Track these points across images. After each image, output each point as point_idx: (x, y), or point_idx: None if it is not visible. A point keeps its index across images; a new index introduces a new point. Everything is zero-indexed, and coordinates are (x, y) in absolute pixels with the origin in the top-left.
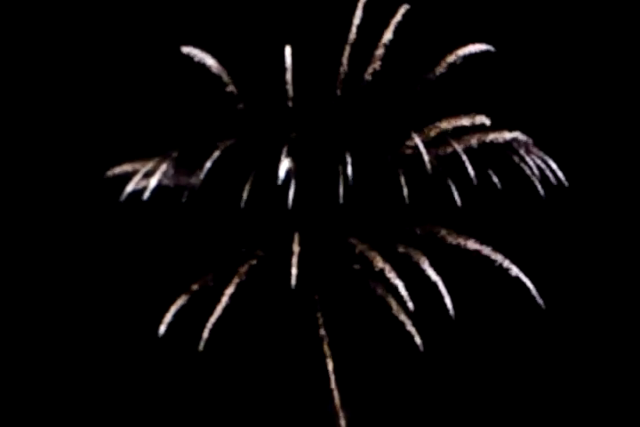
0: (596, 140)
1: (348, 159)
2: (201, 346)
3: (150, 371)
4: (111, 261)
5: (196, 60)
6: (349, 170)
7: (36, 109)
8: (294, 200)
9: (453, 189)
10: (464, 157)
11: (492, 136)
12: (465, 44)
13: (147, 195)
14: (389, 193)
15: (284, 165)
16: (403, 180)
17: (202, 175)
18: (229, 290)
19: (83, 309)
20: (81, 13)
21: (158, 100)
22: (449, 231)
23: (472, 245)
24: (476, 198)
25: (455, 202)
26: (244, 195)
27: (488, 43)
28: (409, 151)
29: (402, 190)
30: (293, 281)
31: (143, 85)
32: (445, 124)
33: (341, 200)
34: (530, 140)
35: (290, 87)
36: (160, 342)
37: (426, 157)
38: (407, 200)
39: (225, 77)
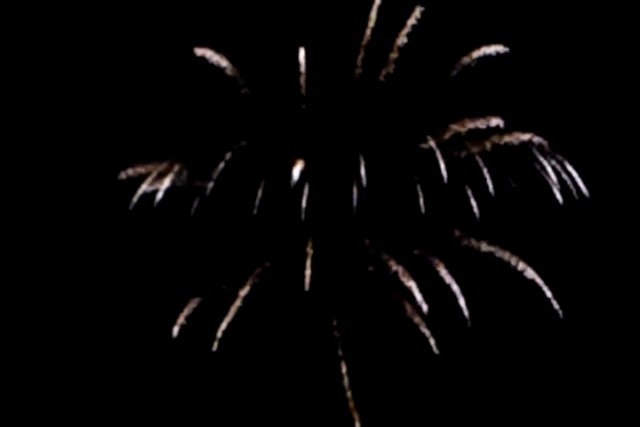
0: (613, 142)
1: (362, 162)
2: (214, 347)
3: (164, 372)
4: (124, 263)
5: (209, 61)
6: (363, 171)
7: (49, 110)
8: (308, 203)
9: (469, 193)
10: (480, 162)
11: (507, 138)
12: (479, 45)
13: (159, 196)
14: (404, 195)
15: (298, 166)
16: (418, 186)
17: (214, 177)
18: (243, 292)
19: (95, 309)
20: (93, 15)
21: (172, 101)
22: (464, 233)
23: (486, 247)
24: (491, 201)
25: (469, 203)
26: (258, 197)
27: (503, 44)
28: (424, 154)
29: (416, 194)
30: (307, 283)
31: (157, 87)
32: (460, 127)
33: (355, 202)
34: (545, 142)
35: (303, 89)
36: (174, 343)
37: (442, 164)
38: (423, 208)
39: (239, 79)
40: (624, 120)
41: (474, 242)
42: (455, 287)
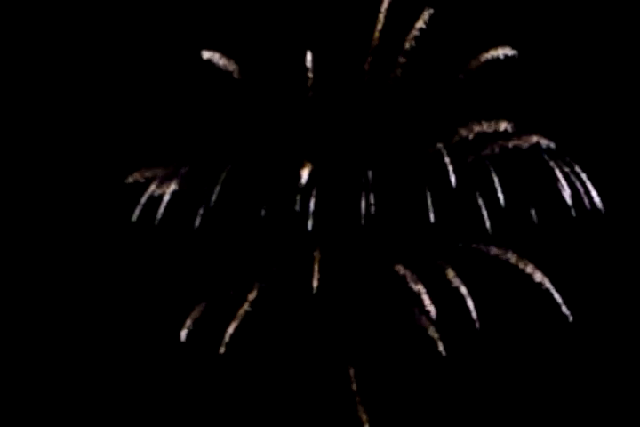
0: (625, 145)
1: (369, 166)
2: (222, 350)
3: (172, 376)
4: (132, 266)
5: (217, 65)
6: (370, 175)
7: (57, 114)
8: (315, 207)
9: (478, 196)
10: (489, 166)
11: (515, 142)
12: (487, 48)
13: (166, 198)
14: (412, 199)
15: (306, 169)
16: (427, 191)
17: (221, 180)
18: (252, 295)
19: (102, 312)
20: (98, 21)
21: (179, 105)
22: (472, 237)
23: (494, 250)
24: (500, 205)
25: (478, 207)
26: (265, 201)
27: (511, 46)
28: (432, 159)
29: (425, 198)
30: (315, 286)
31: (165, 90)
32: (468, 131)
33: (363, 207)
34: (552, 144)
35: (311, 93)
36: (182, 347)
37: (450, 169)
38: (432, 213)
39: (246, 83)
40: (635, 123)
41: (482, 245)
42: (463, 289)
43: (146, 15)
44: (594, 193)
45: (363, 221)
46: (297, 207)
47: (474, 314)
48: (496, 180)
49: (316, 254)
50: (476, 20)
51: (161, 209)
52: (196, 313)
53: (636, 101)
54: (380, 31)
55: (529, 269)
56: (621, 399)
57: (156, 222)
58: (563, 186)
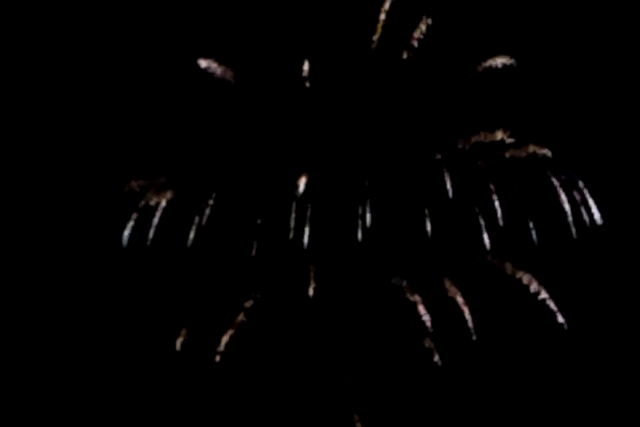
0: (623, 155)
1: (366, 179)
2: (217, 358)
3: (167, 384)
4: (128, 274)
5: (214, 74)
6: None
7: (54, 120)
8: (311, 219)
9: (476, 208)
10: (487, 178)
11: (513, 152)
12: (485, 58)
13: (162, 204)
14: (409, 211)
15: (303, 179)
16: (426, 211)
17: (216, 189)
18: (247, 304)
19: (97, 319)
20: (94, 29)
21: (175, 114)
22: (470, 248)
23: (491, 261)
24: (498, 216)
25: (475, 219)
26: (260, 213)
27: (510, 56)
28: (430, 171)
29: (423, 210)
30: (310, 294)
31: (162, 99)
32: (464, 142)
33: (360, 223)
34: (549, 153)
35: (308, 102)
36: (177, 355)
37: (448, 181)
38: (429, 227)
39: (243, 92)
40: (635, 133)
41: (479, 255)
42: (459, 299)
43: (141, 23)
44: (591, 202)
45: (360, 232)
46: (293, 218)
47: (470, 324)
48: (493, 190)
49: (312, 267)
50: (475, 30)
51: (156, 218)
52: (191, 322)
53: (636, 111)
54: (378, 40)
55: (525, 278)
56: (618, 408)
57: (152, 230)
58: (560, 195)
